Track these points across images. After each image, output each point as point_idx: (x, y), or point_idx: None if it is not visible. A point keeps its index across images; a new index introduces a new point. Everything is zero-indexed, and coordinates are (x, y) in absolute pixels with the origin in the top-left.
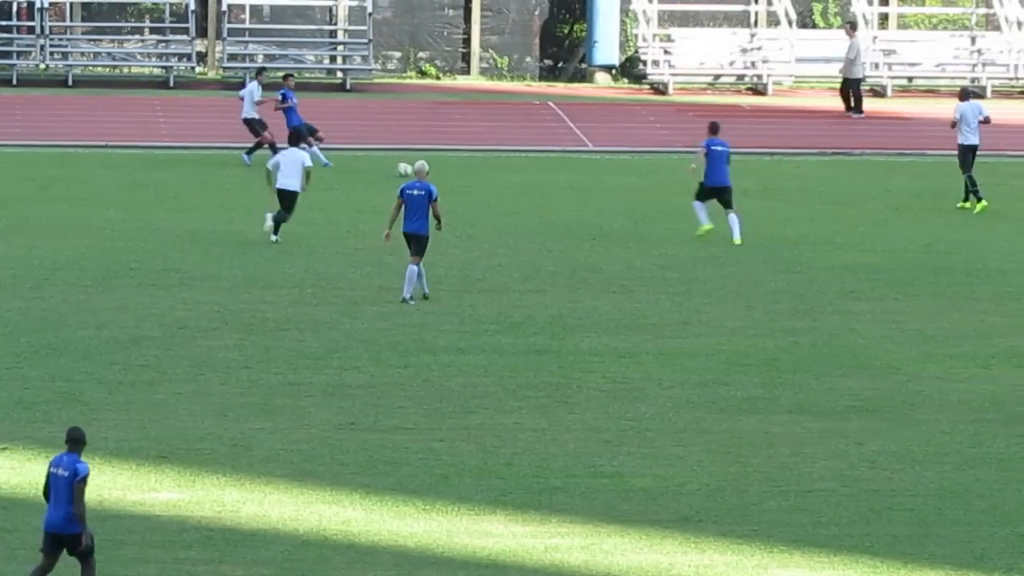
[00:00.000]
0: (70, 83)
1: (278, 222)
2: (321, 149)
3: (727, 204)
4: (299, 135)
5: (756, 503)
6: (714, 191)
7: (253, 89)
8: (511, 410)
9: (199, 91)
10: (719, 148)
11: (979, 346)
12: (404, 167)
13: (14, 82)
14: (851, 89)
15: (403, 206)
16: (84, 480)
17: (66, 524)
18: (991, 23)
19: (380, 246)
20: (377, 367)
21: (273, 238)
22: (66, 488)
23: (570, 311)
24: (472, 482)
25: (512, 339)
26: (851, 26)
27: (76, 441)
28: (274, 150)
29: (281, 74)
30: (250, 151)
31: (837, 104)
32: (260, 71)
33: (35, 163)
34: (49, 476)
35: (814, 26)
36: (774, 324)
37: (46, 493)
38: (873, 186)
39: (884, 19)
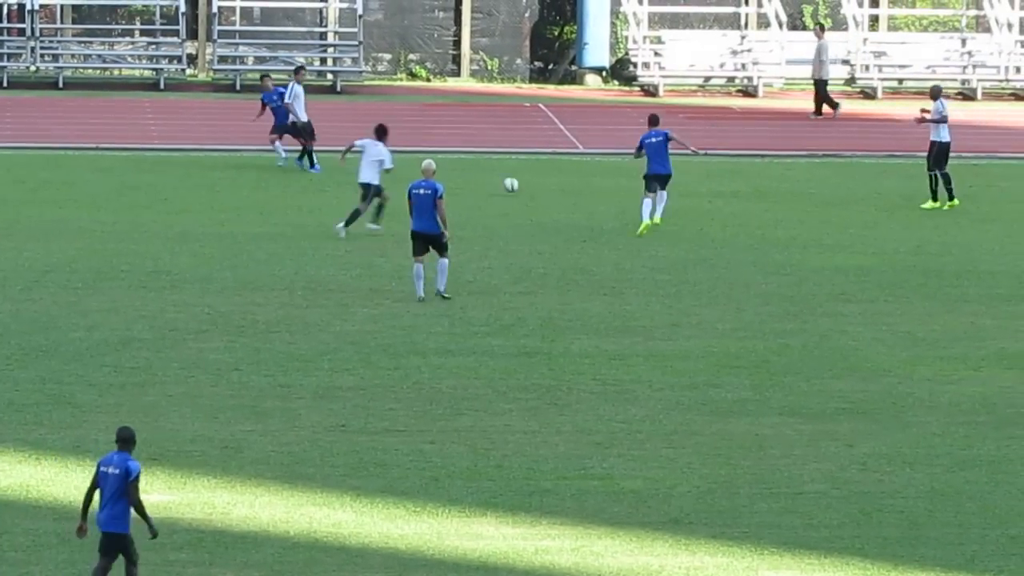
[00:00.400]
0: (60, 85)
1: (378, 210)
2: (308, 152)
3: (661, 187)
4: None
5: (746, 505)
6: (656, 179)
7: (300, 92)
8: (501, 412)
9: (189, 93)
10: (653, 140)
11: (969, 348)
12: (510, 182)
13: (4, 84)
14: (820, 90)
15: (413, 205)
16: (137, 478)
17: (113, 522)
18: (981, 25)
19: (371, 248)
20: (367, 369)
21: (340, 227)
22: (116, 486)
23: (560, 313)
24: (462, 484)
25: (502, 341)
26: (820, 28)
27: (126, 440)
28: (307, 154)
29: (283, 75)
30: (310, 159)
31: (829, 107)
32: (299, 69)
33: (25, 165)
34: (97, 475)
35: (804, 28)
36: (764, 326)
37: (89, 493)
38: (863, 188)
39: (874, 21)
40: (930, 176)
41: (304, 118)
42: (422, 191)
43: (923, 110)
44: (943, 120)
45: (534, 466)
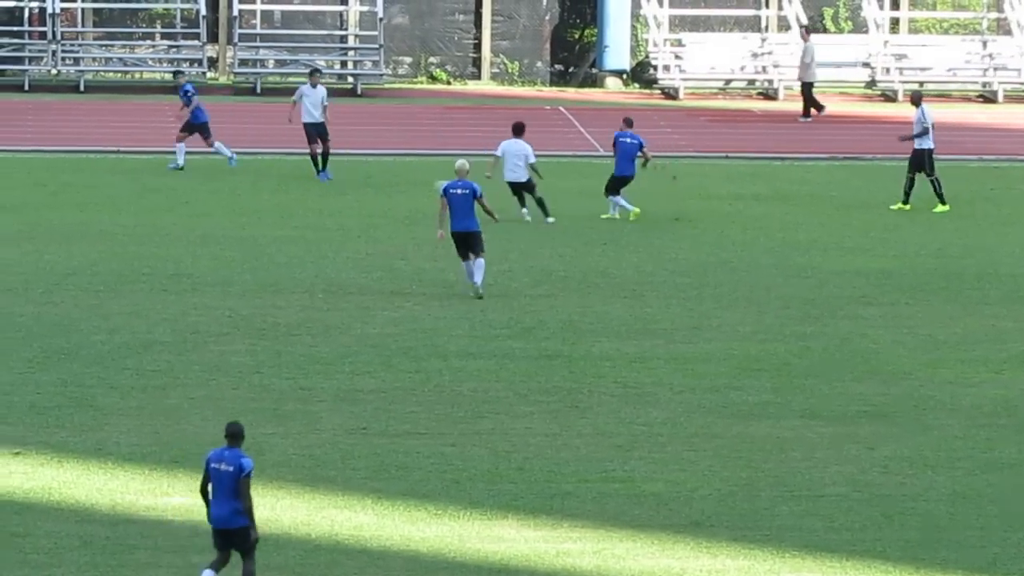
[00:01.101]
0: (82, 88)
1: (541, 204)
2: (330, 155)
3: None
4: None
5: (768, 508)
6: (623, 181)
7: (309, 92)
8: (522, 415)
9: (210, 96)
10: (628, 140)
11: (991, 351)
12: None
13: (26, 87)
14: (805, 92)
15: (448, 206)
16: (249, 475)
17: (232, 518)
18: (1002, 27)
19: (391, 251)
20: (388, 372)
21: (524, 212)
22: (230, 483)
23: (581, 316)
24: (484, 487)
25: (523, 344)
26: (805, 30)
27: (235, 436)
28: (315, 162)
29: (302, 78)
30: (323, 163)
31: (849, 110)
32: (313, 72)
33: (46, 168)
34: (209, 472)
35: (825, 31)
36: (785, 329)
37: (204, 489)
38: (884, 191)
39: (895, 24)
40: (932, 181)
41: (315, 119)
42: (459, 191)
43: (904, 138)
44: (925, 132)
45: (555, 469)
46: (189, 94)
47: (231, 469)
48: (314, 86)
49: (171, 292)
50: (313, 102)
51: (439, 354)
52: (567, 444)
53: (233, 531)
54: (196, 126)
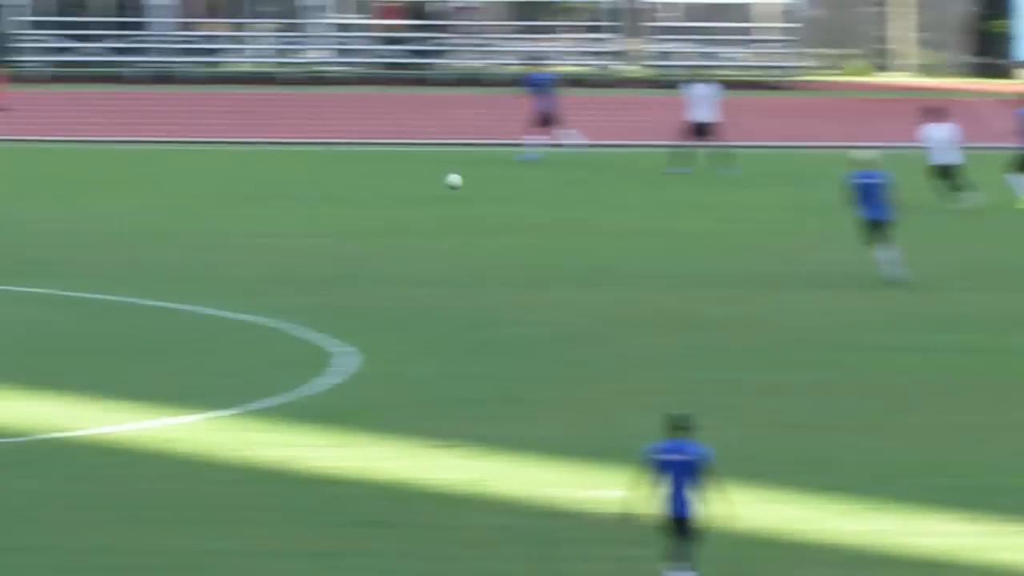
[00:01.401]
0: (502, 83)
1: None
2: (725, 147)
3: None
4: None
5: None
6: None
7: (704, 92)
8: (949, 409)
9: (624, 89)
10: None
11: None
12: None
13: (431, 81)
14: None
15: (860, 195)
16: (711, 463)
17: (691, 507)
18: None
19: (808, 243)
20: (812, 365)
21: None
22: (689, 472)
23: (1007, 309)
24: (912, 481)
25: (948, 337)
26: None
27: (686, 428)
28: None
29: (708, 73)
30: (723, 159)
31: None
32: (697, 70)
33: (475, 162)
34: (655, 463)
35: None
36: None
37: (647, 481)
38: None
39: None
40: None
41: (705, 119)
42: (871, 180)
43: None
44: None
45: (985, 463)
46: (538, 83)
47: (691, 458)
48: (705, 84)
49: (593, 285)
50: (702, 100)
51: (861, 346)
52: (996, 438)
53: (690, 519)
54: (547, 114)
